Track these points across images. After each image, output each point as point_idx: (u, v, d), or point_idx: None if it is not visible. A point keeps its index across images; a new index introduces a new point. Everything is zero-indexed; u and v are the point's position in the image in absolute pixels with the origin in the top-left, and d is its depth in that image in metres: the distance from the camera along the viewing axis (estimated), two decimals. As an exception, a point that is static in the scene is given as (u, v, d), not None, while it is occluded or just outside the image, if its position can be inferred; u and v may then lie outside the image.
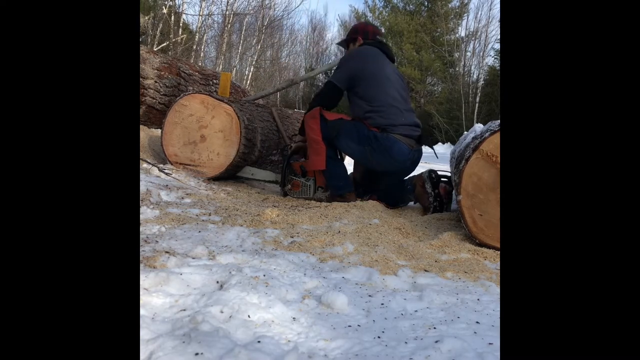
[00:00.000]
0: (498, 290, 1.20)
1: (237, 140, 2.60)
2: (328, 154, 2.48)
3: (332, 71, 2.69)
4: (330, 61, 22.26)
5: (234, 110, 2.61)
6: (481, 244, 1.68)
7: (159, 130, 3.26)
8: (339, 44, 2.91)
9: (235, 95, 4.00)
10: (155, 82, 3.21)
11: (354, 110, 2.51)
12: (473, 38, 18.01)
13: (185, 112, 2.69)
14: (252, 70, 16.61)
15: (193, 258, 1.25)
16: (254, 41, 16.26)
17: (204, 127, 2.66)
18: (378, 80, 2.47)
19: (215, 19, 14.29)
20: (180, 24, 12.53)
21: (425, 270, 1.35)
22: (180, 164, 2.70)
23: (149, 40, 10.94)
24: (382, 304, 1.06)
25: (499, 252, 1.61)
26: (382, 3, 20.85)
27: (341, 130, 2.43)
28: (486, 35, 17.41)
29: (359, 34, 2.70)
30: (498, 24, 15.57)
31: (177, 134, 2.71)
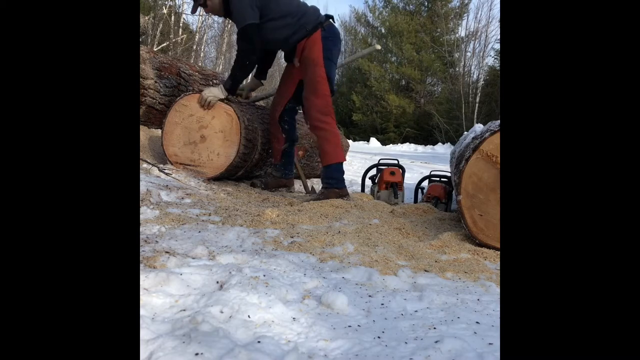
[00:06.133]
0: (498, 290, 1.20)
1: (237, 141, 2.60)
2: None
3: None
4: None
5: (234, 110, 2.61)
6: (481, 244, 1.68)
7: (159, 130, 3.26)
8: (193, 11, 2.71)
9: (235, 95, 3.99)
10: (155, 82, 3.21)
11: (275, 34, 2.54)
12: (473, 38, 18.02)
13: (186, 112, 2.69)
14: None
15: (193, 258, 1.25)
16: (254, 41, 16.18)
17: (204, 128, 2.66)
18: None
19: (216, 19, 14.28)
20: (180, 24, 12.52)
21: (425, 271, 1.35)
22: (181, 164, 2.70)
23: (149, 40, 10.93)
24: (382, 304, 1.06)
25: (499, 252, 1.61)
26: (382, 3, 20.87)
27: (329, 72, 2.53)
28: (486, 35, 17.42)
29: None
30: (498, 24, 15.58)
31: (178, 134, 2.71)
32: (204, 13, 13.34)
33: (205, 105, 2.61)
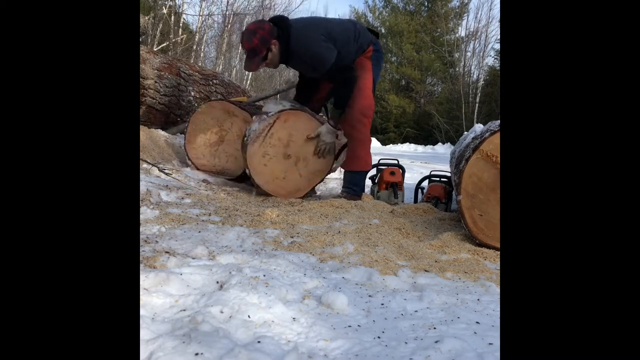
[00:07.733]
0: (498, 290, 1.20)
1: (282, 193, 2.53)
2: None
3: (312, 67, 2.47)
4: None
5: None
6: (481, 244, 1.68)
7: (159, 131, 3.26)
8: (249, 69, 2.44)
9: (235, 95, 3.99)
10: (155, 82, 3.22)
11: (341, 62, 2.45)
12: (473, 38, 18.02)
13: (294, 126, 2.49)
14: (252, 70, 16.52)
15: (193, 258, 1.25)
16: (254, 41, 16.16)
17: (289, 154, 2.51)
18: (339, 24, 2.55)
19: (215, 19, 14.28)
20: (180, 24, 12.52)
21: (425, 271, 1.35)
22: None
23: (149, 40, 10.93)
24: (382, 304, 1.07)
25: (499, 252, 1.61)
26: (382, 3, 20.87)
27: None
28: (486, 35, 17.41)
29: (267, 40, 2.37)
30: (498, 24, 15.58)
31: (278, 128, 2.47)
32: (204, 14, 13.39)
33: (320, 154, 2.52)
